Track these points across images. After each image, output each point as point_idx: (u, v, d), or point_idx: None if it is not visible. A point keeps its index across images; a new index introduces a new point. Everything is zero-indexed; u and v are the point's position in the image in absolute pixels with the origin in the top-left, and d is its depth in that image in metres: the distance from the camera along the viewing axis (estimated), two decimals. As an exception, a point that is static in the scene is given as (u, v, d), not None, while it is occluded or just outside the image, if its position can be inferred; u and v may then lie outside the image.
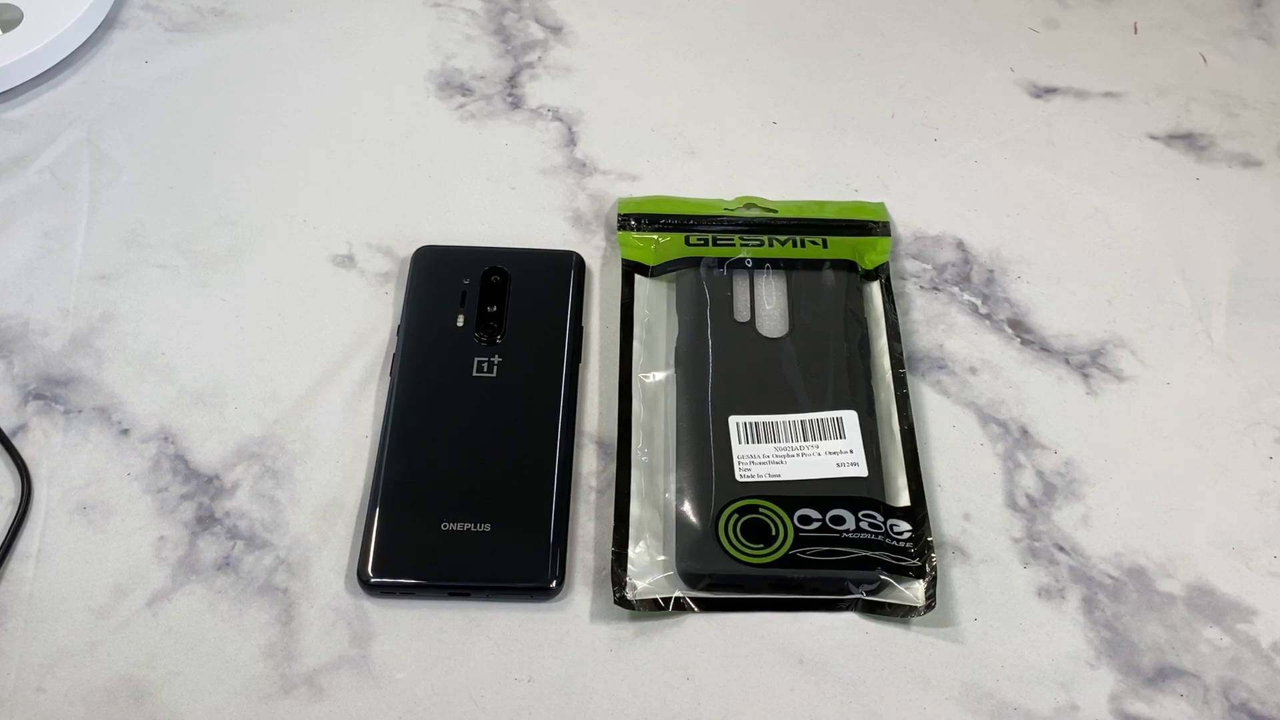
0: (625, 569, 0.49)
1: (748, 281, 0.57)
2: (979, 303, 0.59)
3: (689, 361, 0.54)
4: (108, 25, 0.68)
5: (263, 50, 0.68)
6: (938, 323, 0.58)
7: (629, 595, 0.48)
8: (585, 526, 0.51)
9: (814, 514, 0.49)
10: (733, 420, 0.52)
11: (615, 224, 0.60)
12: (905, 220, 0.62)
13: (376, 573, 0.48)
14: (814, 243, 0.59)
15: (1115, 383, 0.56)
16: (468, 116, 0.65)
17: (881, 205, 0.62)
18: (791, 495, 0.50)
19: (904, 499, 0.51)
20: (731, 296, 0.56)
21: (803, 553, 0.48)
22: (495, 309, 0.55)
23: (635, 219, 0.60)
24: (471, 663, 0.47)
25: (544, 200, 0.62)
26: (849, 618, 0.49)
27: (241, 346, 0.55)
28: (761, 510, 0.50)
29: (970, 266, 0.60)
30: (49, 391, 0.54)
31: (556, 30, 0.70)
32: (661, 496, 0.51)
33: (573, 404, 0.53)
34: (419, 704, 0.46)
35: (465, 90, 0.66)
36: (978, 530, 0.51)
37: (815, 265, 0.58)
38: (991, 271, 0.60)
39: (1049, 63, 0.69)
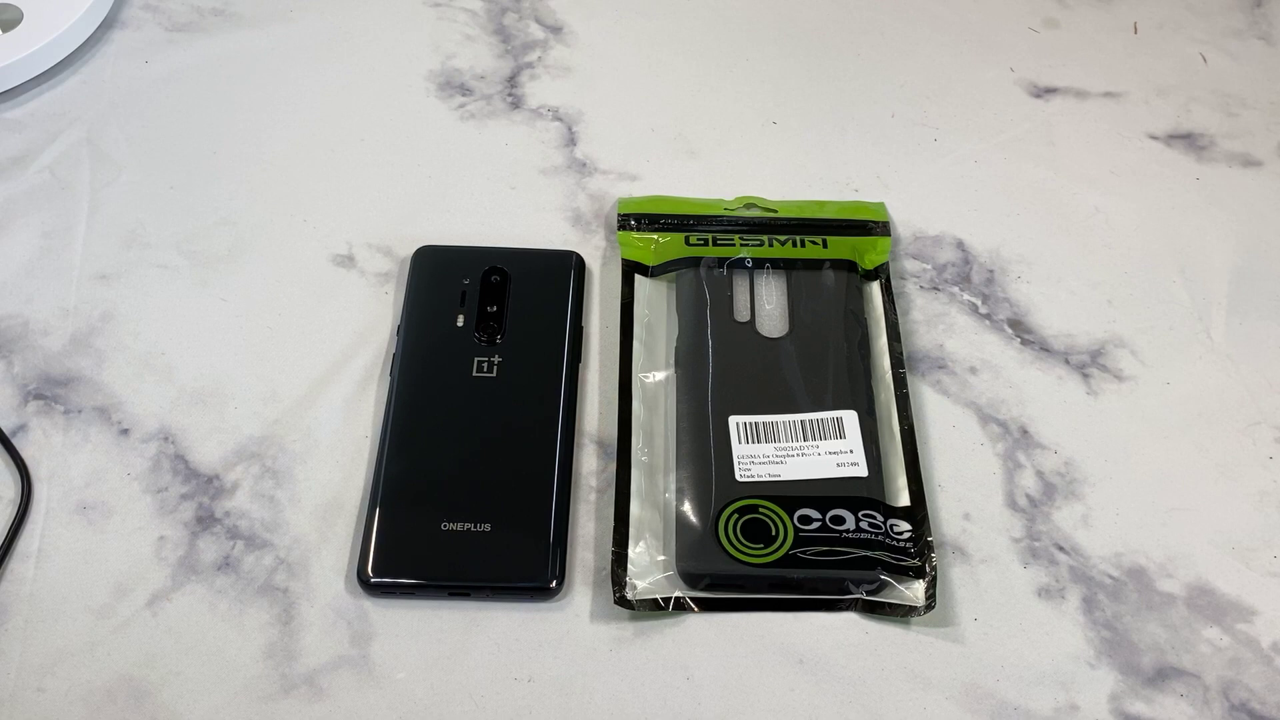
0: (625, 569, 0.49)
1: (748, 281, 0.57)
2: (979, 303, 0.59)
3: (689, 361, 0.54)
4: (108, 25, 0.68)
5: (263, 50, 0.68)
6: (938, 323, 0.58)
7: (629, 595, 0.48)
8: (585, 526, 0.51)
9: (814, 514, 0.49)
10: (733, 420, 0.52)
11: (615, 224, 0.60)
12: (905, 220, 0.62)
13: (376, 573, 0.48)
14: (814, 243, 0.59)
15: (1115, 383, 0.56)
16: (468, 116, 0.65)
17: (881, 205, 0.62)
18: (791, 495, 0.50)
19: (904, 499, 0.51)
20: (731, 296, 0.56)
21: (803, 553, 0.48)
22: (495, 309, 0.55)
23: (635, 219, 0.60)
24: (471, 663, 0.47)
25: (544, 200, 0.62)
26: (849, 618, 0.49)
27: (241, 346, 0.55)
28: (761, 510, 0.50)
29: (970, 266, 0.60)
30: (49, 391, 0.54)
31: (556, 30, 0.70)
32: (661, 496, 0.51)
33: (573, 404, 0.53)
34: (419, 704, 0.46)
35: (465, 90, 0.66)
36: (978, 530, 0.51)
37: (815, 265, 0.58)
38: (991, 271, 0.60)
39: (1049, 63, 0.69)
